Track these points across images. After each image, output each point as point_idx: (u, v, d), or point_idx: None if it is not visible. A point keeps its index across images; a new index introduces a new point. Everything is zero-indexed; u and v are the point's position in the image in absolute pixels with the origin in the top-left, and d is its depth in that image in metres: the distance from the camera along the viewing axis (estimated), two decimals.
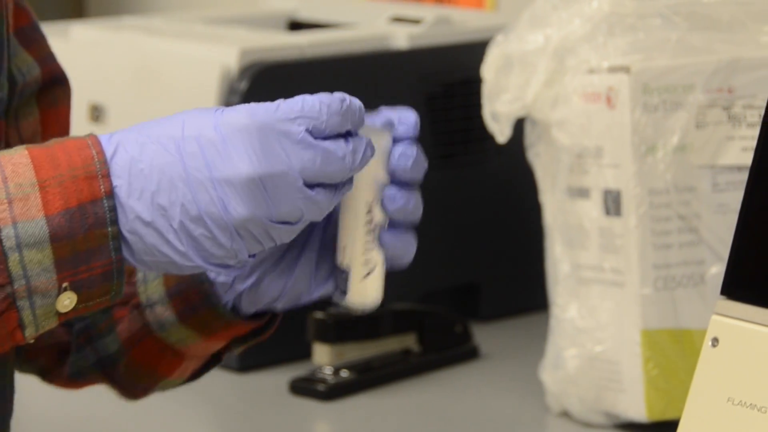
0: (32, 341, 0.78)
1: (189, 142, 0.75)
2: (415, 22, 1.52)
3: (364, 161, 0.78)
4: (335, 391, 1.30)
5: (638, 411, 1.20)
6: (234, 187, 0.74)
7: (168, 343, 0.93)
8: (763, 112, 0.88)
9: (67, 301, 0.74)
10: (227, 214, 0.74)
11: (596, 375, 1.21)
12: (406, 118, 0.83)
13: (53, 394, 1.01)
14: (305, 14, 1.65)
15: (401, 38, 1.41)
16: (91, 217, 0.74)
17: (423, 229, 1.43)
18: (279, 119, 0.75)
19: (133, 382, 0.97)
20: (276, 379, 1.34)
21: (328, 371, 1.32)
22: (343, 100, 0.77)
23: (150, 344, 0.96)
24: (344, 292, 0.80)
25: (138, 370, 0.96)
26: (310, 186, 0.75)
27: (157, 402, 1.33)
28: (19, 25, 1.01)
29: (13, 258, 0.73)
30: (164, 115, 1.06)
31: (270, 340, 1.38)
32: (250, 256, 0.78)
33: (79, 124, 1.10)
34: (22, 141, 1.00)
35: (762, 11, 1.23)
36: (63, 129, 1.05)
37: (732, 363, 0.87)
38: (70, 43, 1.50)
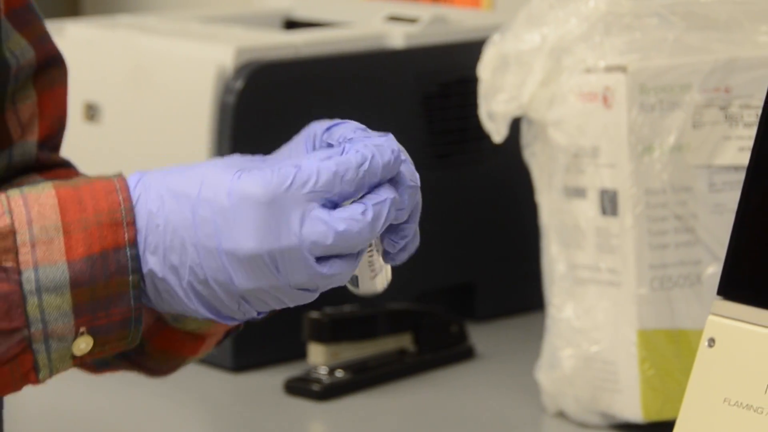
0: (44, 383, 0.78)
1: (203, 206, 0.74)
2: (412, 21, 1.52)
3: (387, 223, 0.77)
4: (330, 392, 1.30)
5: (634, 411, 1.20)
6: (239, 260, 0.74)
7: (187, 331, 0.93)
8: (760, 112, 0.89)
9: (83, 345, 0.74)
10: (233, 284, 0.74)
11: (592, 375, 1.21)
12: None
13: (47, 391, 1.01)
14: (301, 13, 1.66)
15: (397, 37, 1.42)
16: (113, 265, 0.74)
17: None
18: (291, 194, 0.74)
19: (160, 365, 0.98)
20: (271, 379, 1.34)
21: (323, 371, 1.31)
22: (360, 167, 0.76)
23: (169, 333, 0.96)
24: (355, 285, 0.81)
25: (162, 355, 0.96)
26: (326, 257, 0.75)
27: (152, 401, 1.38)
28: (11, 7, 1.00)
29: (32, 302, 0.73)
30: (159, 114, 1.05)
31: (265, 340, 1.36)
32: (259, 314, 0.78)
33: (74, 123, 1.11)
34: (20, 125, 1.01)
35: (759, 11, 1.23)
36: (60, 110, 1.05)
37: (728, 363, 0.89)
38: (65, 42, 1.51)
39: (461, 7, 1.78)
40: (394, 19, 1.49)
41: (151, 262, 0.75)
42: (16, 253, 0.73)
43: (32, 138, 1.02)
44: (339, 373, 1.31)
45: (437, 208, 1.42)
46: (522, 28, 1.23)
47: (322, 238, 0.72)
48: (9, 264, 0.73)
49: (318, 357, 1.32)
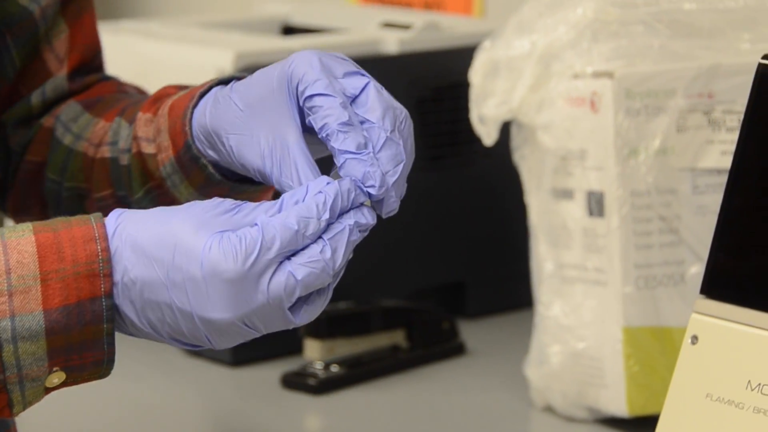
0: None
1: (176, 272, 0.74)
2: (405, 27, 1.51)
3: (348, 251, 0.77)
4: (325, 386, 1.30)
5: (619, 406, 1.19)
6: (214, 327, 0.74)
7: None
8: (741, 117, 0.92)
9: (56, 380, 0.75)
10: (210, 343, 0.75)
11: (579, 371, 1.20)
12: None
13: None
14: (298, 19, 1.66)
15: (392, 43, 1.41)
16: (89, 314, 0.73)
17: (412, 229, 1.50)
18: (258, 263, 0.74)
19: None
20: (268, 374, 1.34)
21: (318, 366, 1.31)
22: (320, 218, 0.76)
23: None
24: None
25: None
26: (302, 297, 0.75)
27: (151, 395, 1.38)
28: None
29: (8, 349, 0.72)
30: None
31: (262, 335, 1.39)
32: None
33: None
34: (59, 59, 1.02)
35: (741, 19, 1.23)
36: (91, 37, 1.05)
37: (711, 360, 0.92)
38: None
39: (453, 14, 1.77)
40: (389, 25, 1.49)
41: (130, 314, 0.75)
42: None
43: (63, 72, 1.02)
44: (334, 368, 1.31)
45: (430, 209, 1.44)
46: (512, 35, 1.22)
47: (290, 292, 0.73)
48: None
49: (314, 352, 1.31)
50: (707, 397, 0.93)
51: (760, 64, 0.96)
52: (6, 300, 0.73)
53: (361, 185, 0.78)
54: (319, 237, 0.75)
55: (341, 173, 0.80)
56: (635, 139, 1.16)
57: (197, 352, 1.42)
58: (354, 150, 0.79)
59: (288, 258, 0.74)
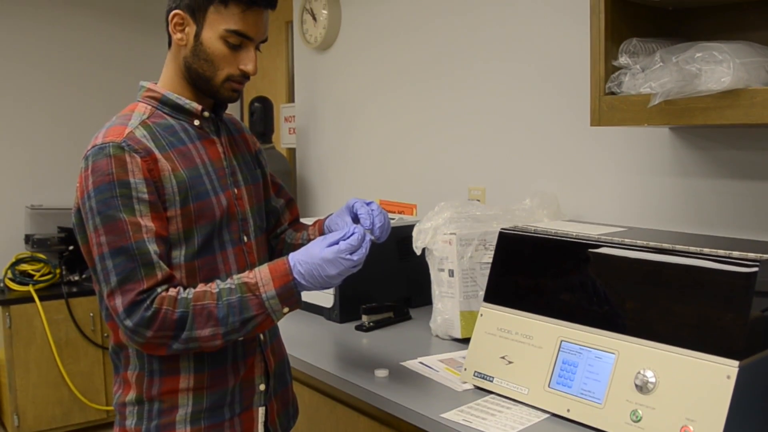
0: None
1: (316, 264, 0.77)
2: (393, 218, 1.64)
3: (367, 250, 0.78)
4: (368, 329, 1.41)
5: (458, 334, 1.31)
6: (330, 277, 0.78)
7: None
8: (495, 246, 1.08)
9: (285, 310, 0.80)
10: (331, 285, 0.79)
11: (446, 324, 1.33)
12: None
13: None
14: None
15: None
16: (289, 287, 0.78)
17: (394, 279, 1.50)
18: (339, 256, 0.76)
19: None
20: (350, 326, 1.45)
21: (367, 323, 1.43)
22: (359, 241, 0.77)
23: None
24: None
25: None
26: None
27: (305, 329, 1.34)
28: (274, 188, 0.96)
29: (267, 303, 0.78)
30: None
31: (352, 312, 1.44)
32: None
33: None
34: (285, 220, 1.00)
35: (496, 214, 1.33)
36: (296, 211, 1.02)
37: (486, 321, 1.05)
38: None
39: (408, 215, 1.79)
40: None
41: (303, 282, 0.78)
42: (258, 290, 0.77)
43: (286, 223, 1.03)
44: (371, 324, 1.43)
45: (401, 273, 1.52)
46: (425, 221, 1.35)
47: (352, 265, 0.78)
48: (257, 293, 0.76)
49: (365, 319, 1.45)
50: (486, 333, 1.03)
51: (499, 233, 1.10)
52: (263, 288, 0.76)
53: (369, 228, 0.81)
54: (361, 246, 0.77)
55: (361, 223, 0.84)
56: (463, 253, 1.29)
57: (328, 316, 1.44)
58: (366, 215, 0.83)
59: (351, 253, 0.76)
